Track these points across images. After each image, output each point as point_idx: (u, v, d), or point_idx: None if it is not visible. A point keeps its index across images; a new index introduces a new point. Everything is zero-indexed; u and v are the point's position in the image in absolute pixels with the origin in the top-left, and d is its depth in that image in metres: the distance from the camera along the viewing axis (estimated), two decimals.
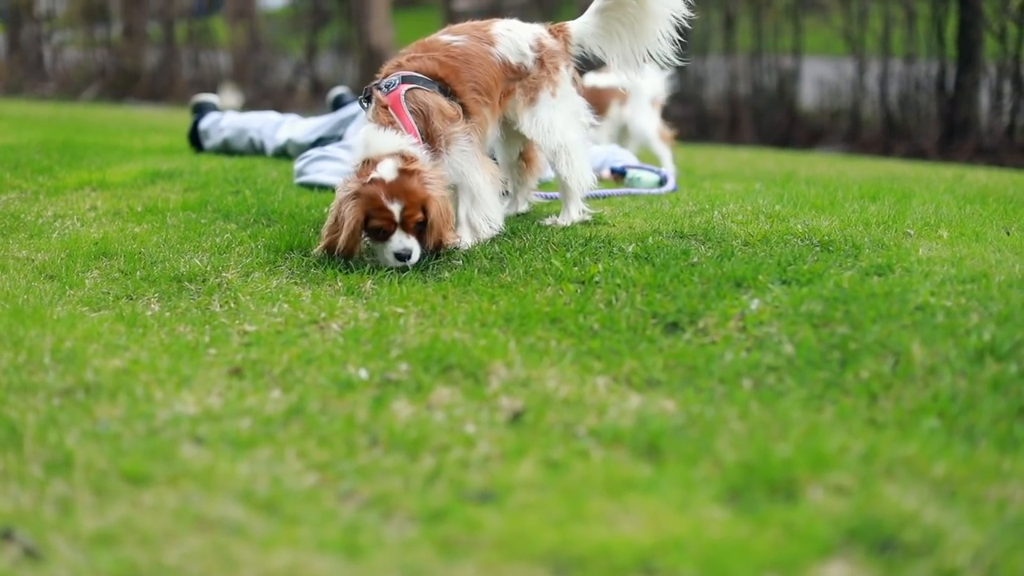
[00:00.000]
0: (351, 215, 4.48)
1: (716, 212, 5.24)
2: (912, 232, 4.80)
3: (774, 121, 15.67)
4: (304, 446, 3.11)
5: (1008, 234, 4.89)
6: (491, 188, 4.88)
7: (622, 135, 8.77)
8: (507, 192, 5.41)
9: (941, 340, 3.61)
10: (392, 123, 4.64)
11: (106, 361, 3.71)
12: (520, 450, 3.08)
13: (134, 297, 4.48)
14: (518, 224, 5.11)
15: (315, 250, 4.74)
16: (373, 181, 4.48)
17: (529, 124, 5.04)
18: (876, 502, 2.73)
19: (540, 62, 5.03)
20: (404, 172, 4.48)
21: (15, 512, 2.67)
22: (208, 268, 4.70)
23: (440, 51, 4.89)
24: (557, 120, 5.05)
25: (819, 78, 15.36)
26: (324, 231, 4.67)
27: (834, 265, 4.28)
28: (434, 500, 2.80)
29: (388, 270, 4.51)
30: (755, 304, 3.97)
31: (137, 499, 2.77)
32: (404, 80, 4.76)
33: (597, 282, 4.27)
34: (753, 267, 4.26)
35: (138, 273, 4.71)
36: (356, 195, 4.50)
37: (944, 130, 13.74)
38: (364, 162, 4.58)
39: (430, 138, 4.69)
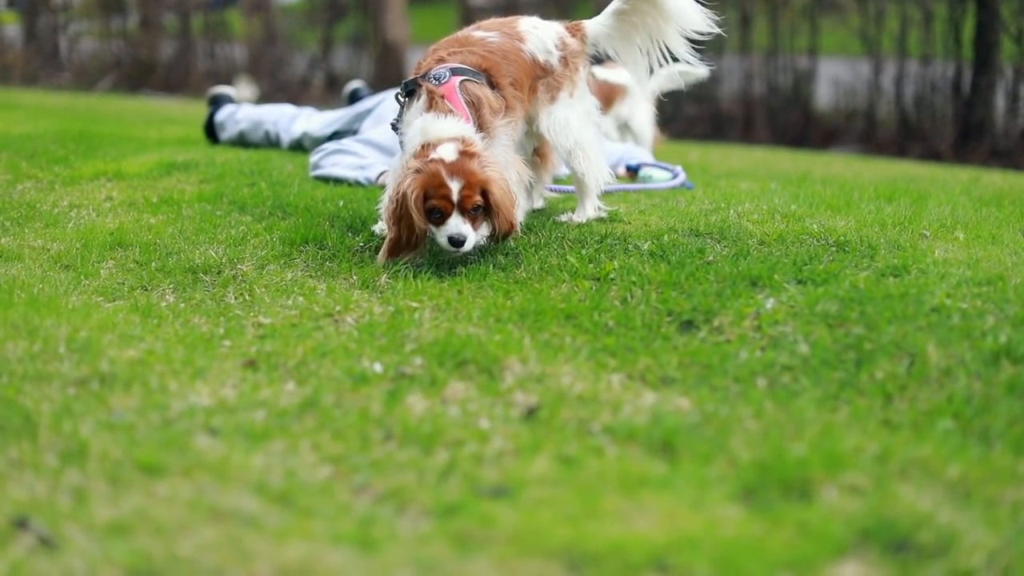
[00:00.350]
0: (413, 191, 4.38)
1: (732, 211, 5.22)
2: (928, 233, 4.78)
3: (789, 121, 15.62)
4: (318, 439, 3.12)
5: None
6: (518, 188, 4.81)
7: (622, 130, 8.76)
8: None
9: (957, 342, 3.60)
10: (451, 112, 4.56)
11: (121, 351, 3.72)
12: (534, 446, 3.08)
13: (149, 288, 4.49)
14: (533, 220, 5.11)
15: (380, 256, 4.62)
16: (433, 160, 4.41)
17: (547, 122, 5.03)
18: (890, 502, 2.73)
19: (564, 61, 5.04)
20: (464, 154, 4.42)
21: (30, 501, 2.68)
22: (223, 260, 4.71)
23: (478, 46, 4.85)
24: (573, 119, 5.04)
25: (835, 78, 15.31)
26: (388, 220, 4.55)
27: (850, 265, 4.27)
28: (448, 494, 2.81)
29: (403, 264, 4.51)
30: (770, 303, 3.96)
31: (151, 489, 2.78)
32: (454, 72, 4.69)
33: (612, 279, 4.27)
34: (769, 266, 4.25)
35: (153, 264, 4.72)
36: (417, 171, 4.41)
37: (959, 132, 13.69)
38: (423, 146, 4.50)
39: (481, 130, 4.63)
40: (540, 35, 5.01)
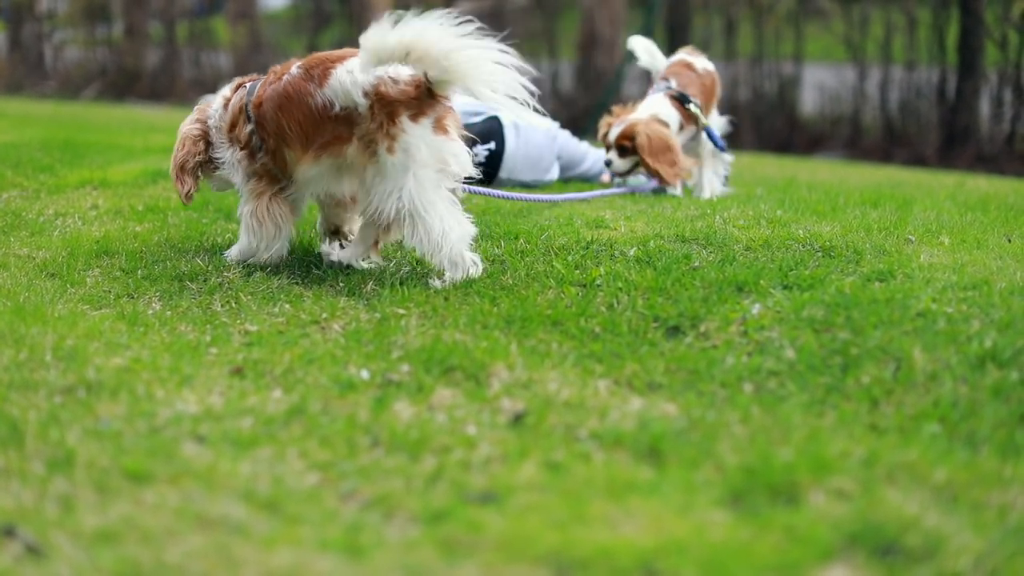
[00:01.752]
0: None
1: (718, 217, 5.24)
2: (913, 239, 4.80)
3: (775, 127, 15.68)
4: (306, 446, 3.11)
5: (1009, 241, 4.90)
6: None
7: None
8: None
9: (942, 346, 3.61)
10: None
11: (107, 359, 3.71)
12: (521, 452, 3.08)
13: (135, 296, 4.48)
14: (521, 228, 5.10)
15: None
16: None
17: (368, 186, 4.39)
18: (877, 507, 2.73)
19: (371, 112, 4.27)
20: None
21: (17, 509, 2.67)
22: (209, 267, 4.70)
23: (267, 82, 4.63)
24: (390, 176, 4.30)
25: (820, 84, 15.38)
26: None
27: (835, 271, 4.28)
28: (436, 501, 2.80)
29: (391, 272, 4.52)
30: (756, 309, 3.97)
31: (139, 497, 2.77)
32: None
33: (599, 285, 4.27)
34: (755, 272, 4.26)
35: (139, 272, 4.72)
36: None
37: (944, 137, 13.75)
38: None
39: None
40: (344, 80, 4.27)
